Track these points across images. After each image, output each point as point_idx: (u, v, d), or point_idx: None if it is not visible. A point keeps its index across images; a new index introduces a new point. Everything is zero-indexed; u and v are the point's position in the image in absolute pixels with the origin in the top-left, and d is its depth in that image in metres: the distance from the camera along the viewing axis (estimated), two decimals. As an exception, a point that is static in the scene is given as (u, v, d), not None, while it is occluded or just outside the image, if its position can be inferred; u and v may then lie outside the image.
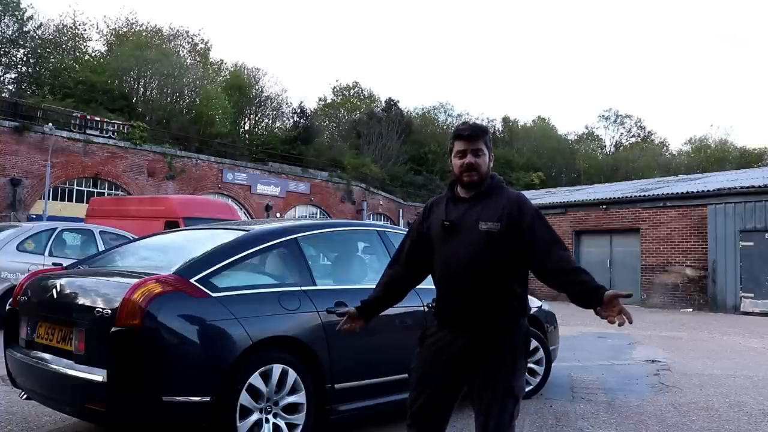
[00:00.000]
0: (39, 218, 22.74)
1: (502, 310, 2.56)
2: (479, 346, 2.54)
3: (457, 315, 2.59)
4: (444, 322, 2.65)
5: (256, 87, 49.61)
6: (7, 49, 37.41)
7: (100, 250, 8.29)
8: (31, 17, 38.51)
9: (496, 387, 2.51)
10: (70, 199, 27.41)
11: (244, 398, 3.36)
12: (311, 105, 60.58)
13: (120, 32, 44.79)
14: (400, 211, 42.66)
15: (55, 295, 3.62)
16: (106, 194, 27.11)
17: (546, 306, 5.89)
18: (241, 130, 48.96)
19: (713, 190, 17.09)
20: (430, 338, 2.67)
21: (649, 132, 69.72)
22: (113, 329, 3.14)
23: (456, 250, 2.58)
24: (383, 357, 4.10)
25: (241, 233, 3.98)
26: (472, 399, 2.60)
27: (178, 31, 47.11)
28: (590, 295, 2.39)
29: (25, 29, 38.04)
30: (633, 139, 68.49)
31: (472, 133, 2.61)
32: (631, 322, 2.31)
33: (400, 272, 2.80)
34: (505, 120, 65.98)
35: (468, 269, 2.54)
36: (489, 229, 2.52)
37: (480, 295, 2.54)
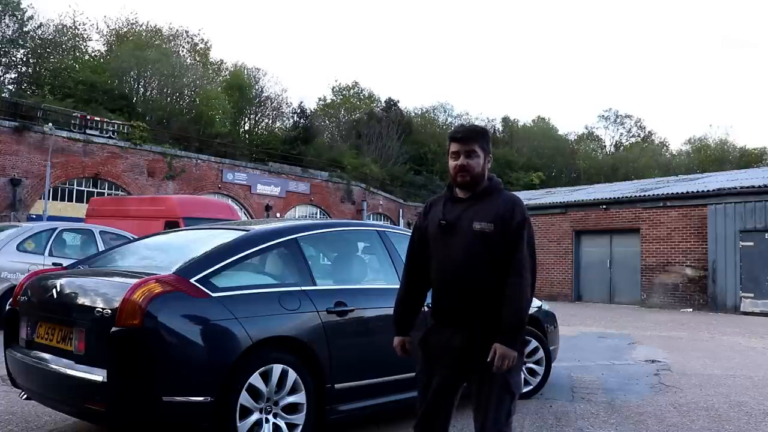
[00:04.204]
0: (39, 218, 22.73)
1: (497, 308, 2.56)
2: (476, 344, 2.56)
3: (454, 313, 2.63)
4: (441, 320, 2.68)
5: (256, 87, 49.64)
6: (7, 49, 37.39)
7: (100, 250, 8.29)
8: (31, 17, 38.49)
9: (493, 383, 2.55)
10: (70, 199, 27.39)
11: (244, 398, 3.36)
12: (311, 105, 60.45)
13: (120, 32, 44.80)
14: (400, 211, 42.63)
15: (55, 295, 3.62)
16: (106, 194, 27.09)
17: (546, 306, 5.91)
18: (241, 130, 48.95)
19: (713, 190, 17.10)
20: (432, 339, 2.70)
21: (649, 132, 69.71)
22: (113, 329, 3.14)
23: (451, 249, 2.62)
24: (383, 357, 4.07)
25: (241, 233, 3.98)
26: (471, 396, 2.63)
27: (177, 31, 47.17)
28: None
29: (25, 29, 37.99)
30: (633, 139, 68.42)
31: (465, 135, 2.68)
32: (499, 371, 2.49)
33: (412, 276, 2.82)
34: (505, 120, 65.93)
35: (463, 269, 2.59)
36: (483, 230, 2.57)
37: (474, 294, 2.58)
